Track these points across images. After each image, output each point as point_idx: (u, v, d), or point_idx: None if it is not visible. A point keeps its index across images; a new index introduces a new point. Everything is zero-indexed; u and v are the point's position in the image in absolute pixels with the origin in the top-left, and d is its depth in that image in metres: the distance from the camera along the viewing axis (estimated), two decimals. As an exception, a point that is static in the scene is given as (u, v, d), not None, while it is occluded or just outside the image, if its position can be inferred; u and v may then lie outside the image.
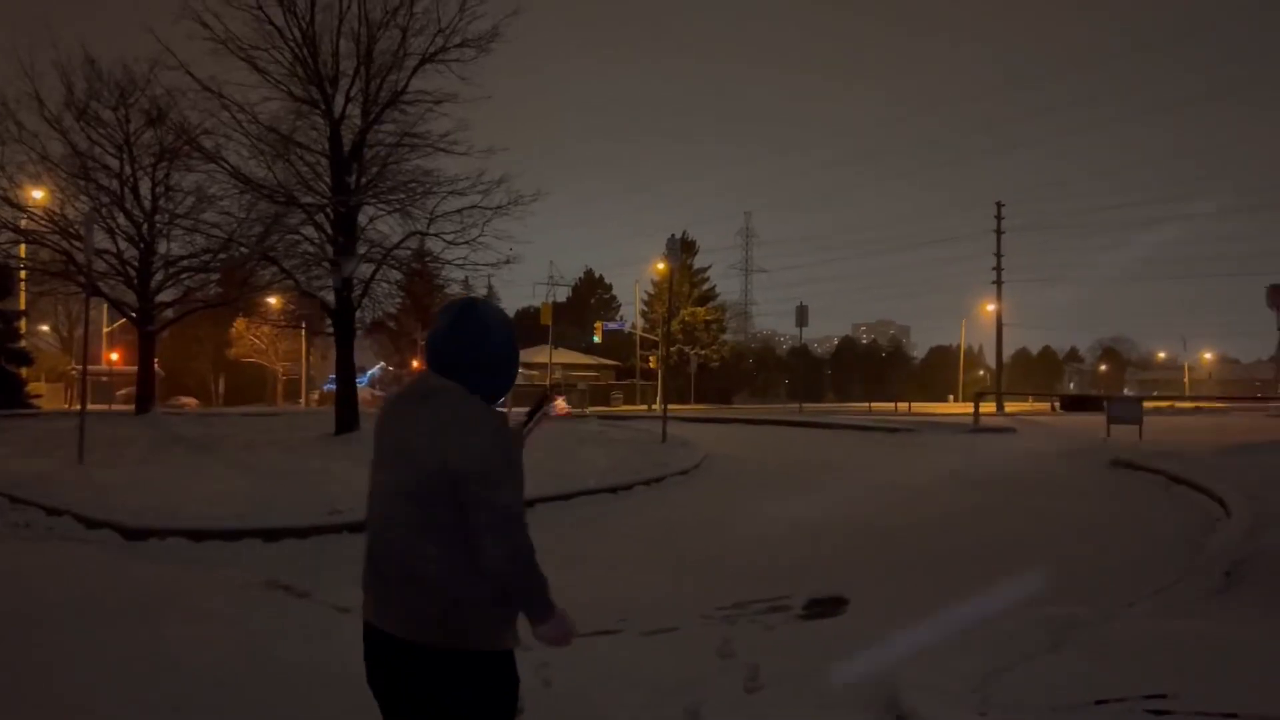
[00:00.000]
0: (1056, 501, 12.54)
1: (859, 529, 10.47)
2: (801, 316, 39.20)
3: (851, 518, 11.11)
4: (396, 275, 20.63)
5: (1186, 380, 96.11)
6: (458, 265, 19.40)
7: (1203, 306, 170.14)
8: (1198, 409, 49.22)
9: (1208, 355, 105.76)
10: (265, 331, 51.23)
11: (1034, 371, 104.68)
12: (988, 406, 41.53)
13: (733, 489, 13.98)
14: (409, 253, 19.94)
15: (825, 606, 7.21)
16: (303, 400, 55.53)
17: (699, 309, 72.38)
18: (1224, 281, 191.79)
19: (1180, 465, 14.20)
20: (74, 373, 47.94)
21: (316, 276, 19.13)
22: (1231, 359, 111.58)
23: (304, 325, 36.07)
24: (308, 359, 55.06)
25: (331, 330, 19.32)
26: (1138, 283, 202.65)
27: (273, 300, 31.04)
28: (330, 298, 18.60)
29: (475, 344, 2.38)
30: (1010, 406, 48.33)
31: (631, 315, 78.01)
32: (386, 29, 18.03)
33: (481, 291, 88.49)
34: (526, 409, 2.95)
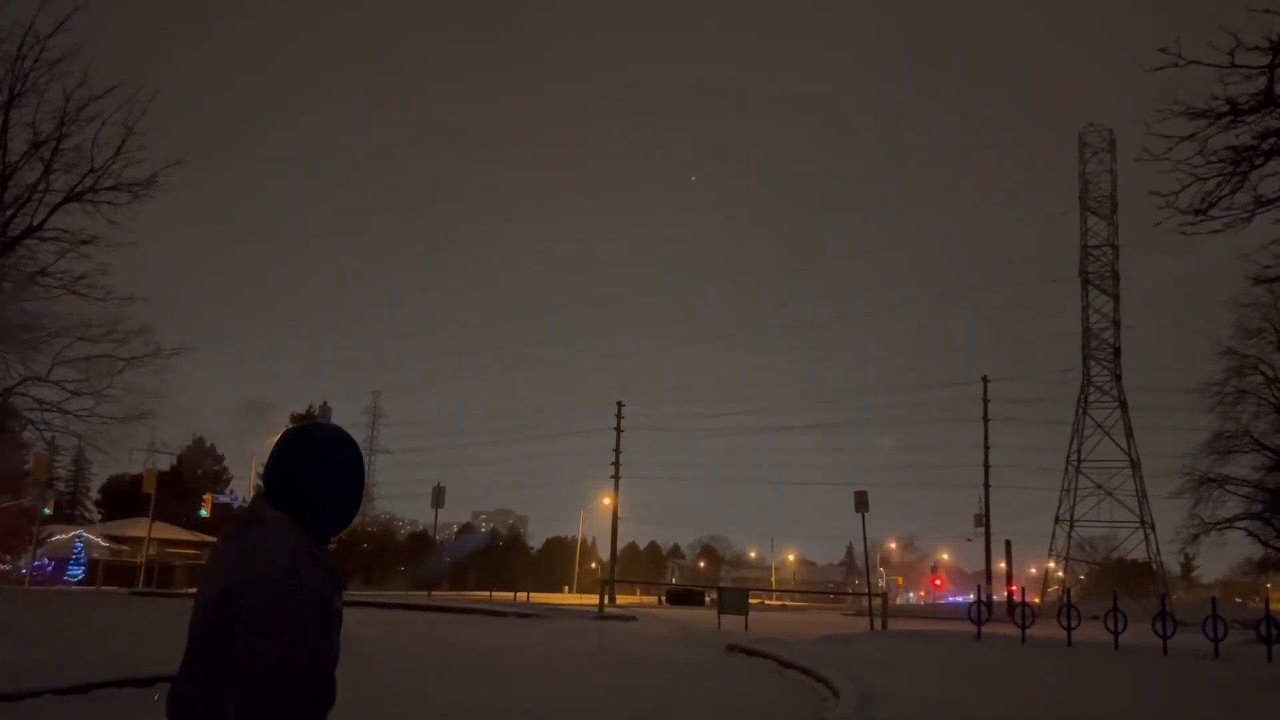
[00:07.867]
0: (687, 682, 13.48)
1: (518, 707, 10.64)
2: (438, 498, 38.95)
3: (508, 695, 11.26)
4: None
5: (774, 579, 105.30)
6: (79, 417, 17.65)
7: (788, 510, 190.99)
8: (784, 605, 54.33)
9: (791, 556, 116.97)
10: None
11: (641, 564, 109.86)
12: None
13: (381, 670, 13.55)
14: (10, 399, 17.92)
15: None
16: None
17: (322, 485, 69.27)
18: (810, 489, 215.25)
19: (787, 651, 15.83)
20: None
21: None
22: (810, 561, 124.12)
23: None
24: None
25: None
26: (735, 485, 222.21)
27: None
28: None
29: (305, 472, 2.16)
30: (621, 598, 50.37)
31: (245, 489, 72.81)
32: (29, 160, 16.80)
33: (66, 454, 78.75)
34: None
